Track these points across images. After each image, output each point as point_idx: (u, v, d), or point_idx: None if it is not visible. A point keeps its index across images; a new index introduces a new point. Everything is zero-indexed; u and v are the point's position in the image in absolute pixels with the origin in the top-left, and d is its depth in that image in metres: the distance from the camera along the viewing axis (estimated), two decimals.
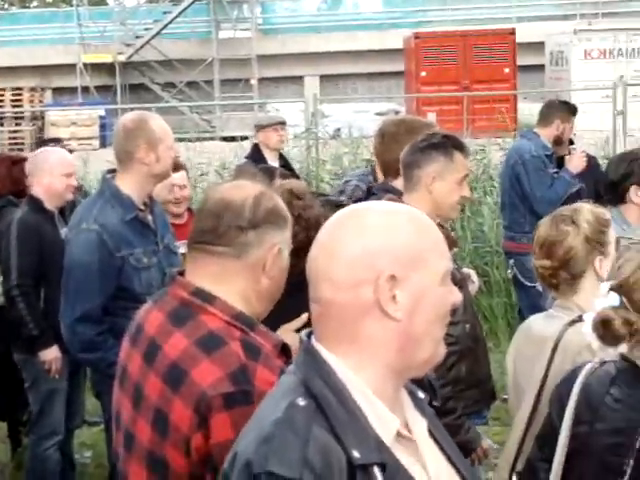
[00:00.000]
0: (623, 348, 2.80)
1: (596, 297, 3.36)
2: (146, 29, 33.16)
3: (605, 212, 3.62)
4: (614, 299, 2.78)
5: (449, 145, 4.06)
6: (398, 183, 4.34)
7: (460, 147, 4.10)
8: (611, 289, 2.81)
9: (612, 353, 2.84)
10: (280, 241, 2.66)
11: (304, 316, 3.05)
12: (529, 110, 21.08)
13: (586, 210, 3.54)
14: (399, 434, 1.88)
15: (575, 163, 7.42)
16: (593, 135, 11.78)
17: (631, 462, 2.67)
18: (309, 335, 1.94)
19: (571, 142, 7.94)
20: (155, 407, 2.50)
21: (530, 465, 3.08)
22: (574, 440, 2.87)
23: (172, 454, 2.45)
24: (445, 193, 4.04)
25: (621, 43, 26.32)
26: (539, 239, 3.55)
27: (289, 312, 2.93)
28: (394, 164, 4.29)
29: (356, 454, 1.78)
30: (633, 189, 4.72)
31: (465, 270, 4.54)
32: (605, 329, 2.76)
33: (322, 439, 1.78)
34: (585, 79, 24.42)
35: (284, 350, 2.54)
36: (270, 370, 2.39)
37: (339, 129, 16.82)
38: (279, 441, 1.77)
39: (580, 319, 3.33)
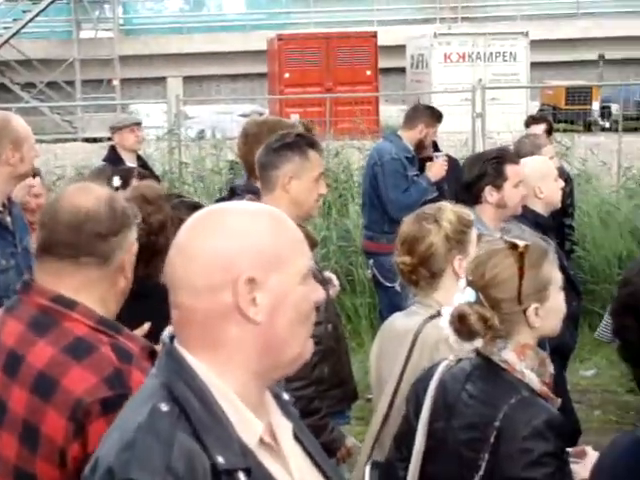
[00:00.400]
0: (479, 343, 2.86)
1: (453, 295, 3.44)
2: (5, 28, 32.37)
3: (468, 213, 3.69)
4: (471, 295, 2.84)
5: (303, 144, 4.06)
6: None
7: (314, 145, 4.10)
8: (468, 285, 2.87)
9: (468, 348, 2.90)
10: (134, 239, 2.66)
11: (146, 326, 3.01)
12: (390, 112, 21.42)
13: (449, 210, 3.60)
14: (262, 440, 1.86)
15: (435, 171, 7.45)
16: (453, 137, 11.95)
17: (486, 456, 2.71)
18: (172, 338, 1.91)
19: (436, 147, 8.02)
20: (23, 420, 2.43)
21: (389, 465, 3.12)
22: (431, 438, 2.92)
23: (43, 468, 2.39)
24: (303, 192, 4.04)
25: (480, 47, 26.92)
26: (401, 236, 3.60)
27: (134, 318, 2.87)
28: None
29: (220, 459, 1.75)
30: (488, 189, 4.76)
31: (326, 274, 4.56)
32: (461, 324, 2.82)
33: (186, 445, 1.75)
34: (445, 82, 24.91)
35: (152, 354, 2.51)
36: (142, 373, 2.35)
37: (203, 131, 16.73)
38: (141, 447, 1.74)
39: (439, 314, 3.39)
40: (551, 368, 2.90)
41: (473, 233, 3.59)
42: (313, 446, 2.03)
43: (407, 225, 3.61)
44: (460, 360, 2.96)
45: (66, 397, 2.37)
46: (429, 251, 3.51)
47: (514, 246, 2.85)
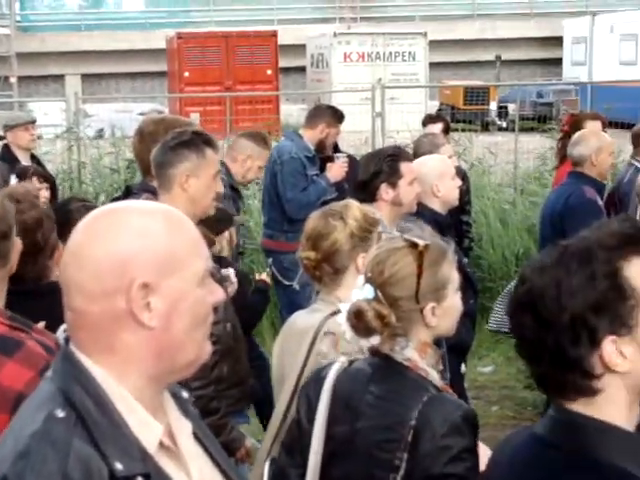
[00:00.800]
0: (375, 340, 2.85)
1: None
2: None
3: (374, 211, 3.71)
4: (369, 291, 2.84)
5: (199, 142, 4.02)
6: None
7: (210, 143, 4.06)
8: (367, 282, 2.87)
9: (364, 345, 2.89)
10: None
11: (40, 325, 2.96)
12: (291, 111, 21.44)
13: (355, 207, 3.62)
14: (162, 443, 1.84)
15: (334, 172, 7.44)
16: (353, 136, 12.01)
17: (405, 456, 2.71)
18: (67, 340, 1.86)
19: (336, 148, 8.03)
20: None
21: (281, 471, 3.07)
22: (332, 441, 2.89)
23: None
24: (200, 190, 4.00)
25: (379, 47, 27.11)
26: (307, 231, 3.60)
27: (28, 318, 2.84)
28: None
29: (119, 466, 1.72)
30: (383, 187, 4.77)
31: (224, 270, 4.54)
32: (358, 320, 2.82)
33: (83, 452, 1.71)
34: (345, 81, 25.04)
35: None
36: None
37: (102, 129, 16.52)
38: (37, 456, 1.70)
39: (340, 311, 3.40)
40: (441, 366, 2.93)
41: (378, 233, 3.60)
42: (213, 446, 2.01)
43: (313, 221, 3.61)
44: (353, 361, 2.95)
45: (5, 394, 2.35)
46: (333, 247, 3.51)
47: (414, 245, 2.86)
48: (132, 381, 1.82)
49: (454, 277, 2.95)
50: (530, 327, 1.96)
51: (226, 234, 5.48)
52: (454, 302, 2.96)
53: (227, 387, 4.07)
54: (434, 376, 2.84)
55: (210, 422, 3.55)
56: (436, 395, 2.76)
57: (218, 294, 1.91)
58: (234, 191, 6.60)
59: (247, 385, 4.32)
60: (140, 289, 1.78)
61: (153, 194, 4.12)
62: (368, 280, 2.87)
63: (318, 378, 2.98)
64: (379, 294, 2.83)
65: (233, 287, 4.41)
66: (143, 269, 1.78)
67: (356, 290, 2.89)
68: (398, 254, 2.88)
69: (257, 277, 5.97)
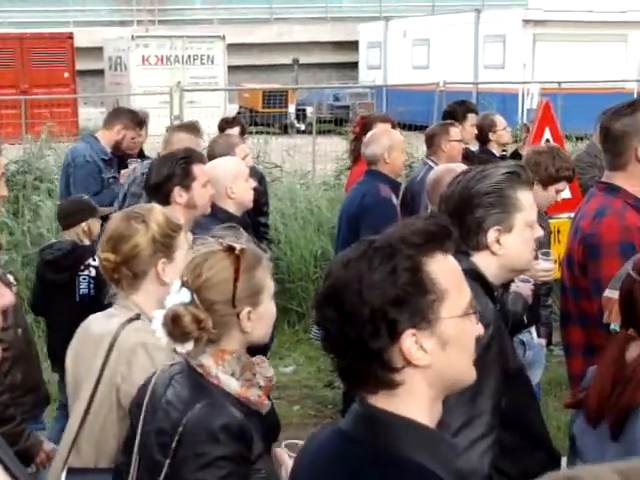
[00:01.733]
0: (190, 346, 2.84)
1: (155, 299, 3.45)
2: None
3: (178, 217, 3.68)
4: (186, 296, 2.84)
5: None
6: None
7: None
8: (183, 286, 2.86)
9: (180, 351, 2.87)
10: None
11: None
12: (89, 114, 21.10)
13: (158, 212, 3.58)
14: None
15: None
16: (152, 140, 11.94)
17: (167, 462, 2.74)
18: None
19: (142, 154, 7.97)
20: None
21: (115, 469, 3.10)
22: (141, 440, 2.91)
23: None
24: None
25: (178, 50, 27.01)
26: (107, 232, 3.54)
27: None
28: None
29: None
30: (177, 190, 4.74)
31: (8, 277, 4.46)
32: (175, 325, 2.80)
33: None
34: (144, 84, 24.79)
35: None
36: None
37: None
38: None
39: (137, 317, 3.39)
40: (267, 372, 2.93)
41: (182, 239, 3.58)
42: (7, 455, 1.98)
43: (115, 222, 3.56)
44: (174, 364, 2.96)
45: None
46: (134, 251, 3.46)
47: (230, 249, 2.87)
48: None
49: (269, 283, 2.98)
50: (333, 320, 2.00)
51: (83, 225, 5.49)
52: (269, 308, 2.98)
53: (22, 394, 4.01)
54: (229, 383, 2.83)
55: (6, 431, 3.50)
56: (212, 402, 2.77)
57: (7, 297, 1.87)
58: None
59: (42, 390, 4.27)
60: None
61: None
62: (185, 284, 2.85)
63: (150, 379, 2.98)
64: (196, 298, 2.82)
65: (14, 290, 4.34)
66: None
67: (172, 295, 2.86)
68: (215, 258, 2.87)
69: None
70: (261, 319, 2.93)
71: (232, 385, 2.84)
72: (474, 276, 2.79)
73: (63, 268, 5.69)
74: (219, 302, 2.84)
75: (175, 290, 2.87)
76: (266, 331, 3.00)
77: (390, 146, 6.49)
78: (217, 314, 2.84)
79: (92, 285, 5.64)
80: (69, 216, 5.87)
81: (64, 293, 5.67)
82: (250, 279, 2.89)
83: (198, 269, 2.85)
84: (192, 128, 6.96)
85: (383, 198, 6.33)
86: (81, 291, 5.68)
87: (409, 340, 1.96)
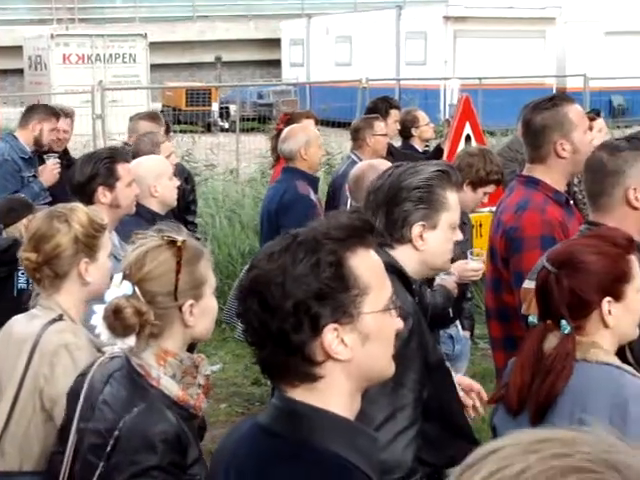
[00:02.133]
0: (131, 341, 2.80)
1: (77, 299, 3.43)
2: None
3: (102, 218, 3.64)
4: (127, 288, 2.80)
5: None
6: None
7: None
8: (125, 279, 2.82)
9: (121, 347, 2.84)
10: None
11: None
12: (9, 114, 20.79)
13: (82, 211, 3.54)
14: None
15: (46, 176, 7.31)
16: (74, 139, 11.85)
17: (102, 464, 2.71)
18: None
19: (66, 152, 7.90)
20: None
21: (51, 455, 3.11)
22: (78, 436, 2.89)
23: None
24: None
25: (99, 49, 26.72)
26: (30, 231, 3.52)
27: None
28: None
29: None
30: (100, 190, 4.70)
31: None
32: (116, 318, 2.76)
33: None
34: (65, 84, 24.46)
35: None
36: None
37: None
38: None
39: (60, 318, 3.37)
40: (207, 370, 2.88)
41: (106, 239, 3.56)
42: None
43: (37, 221, 3.53)
44: (114, 357, 2.92)
45: None
46: (55, 251, 3.43)
47: (172, 242, 2.85)
48: None
49: (211, 277, 2.96)
50: (256, 312, 2.00)
51: (24, 222, 5.44)
52: (211, 303, 2.95)
53: None
54: (168, 386, 2.79)
55: None
56: (150, 407, 2.73)
57: None
58: None
59: None
60: None
61: None
62: (126, 277, 2.82)
63: (86, 371, 2.95)
64: (137, 290, 2.79)
65: None
66: None
67: (112, 288, 2.83)
68: (157, 250, 2.85)
69: None
70: (203, 313, 2.90)
71: (172, 388, 2.79)
72: (393, 269, 2.83)
73: (2, 263, 5.64)
74: (161, 294, 2.81)
75: (116, 284, 2.83)
76: (208, 326, 2.98)
77: (307, 142, 6.47)
78: (159, 306, 2.80)
79: (30, 280, 5.61)
80: (10, 213, 5.82)
81: (1, 288, 5.63)
82: (192, 272, 2.87)
83: (140, 261, 2.82)
84: (154, 116, 7.64)
85: (301, 195, 6.31)
86: (19, 285, 5.64)
87: (330, 335, 1.98)
